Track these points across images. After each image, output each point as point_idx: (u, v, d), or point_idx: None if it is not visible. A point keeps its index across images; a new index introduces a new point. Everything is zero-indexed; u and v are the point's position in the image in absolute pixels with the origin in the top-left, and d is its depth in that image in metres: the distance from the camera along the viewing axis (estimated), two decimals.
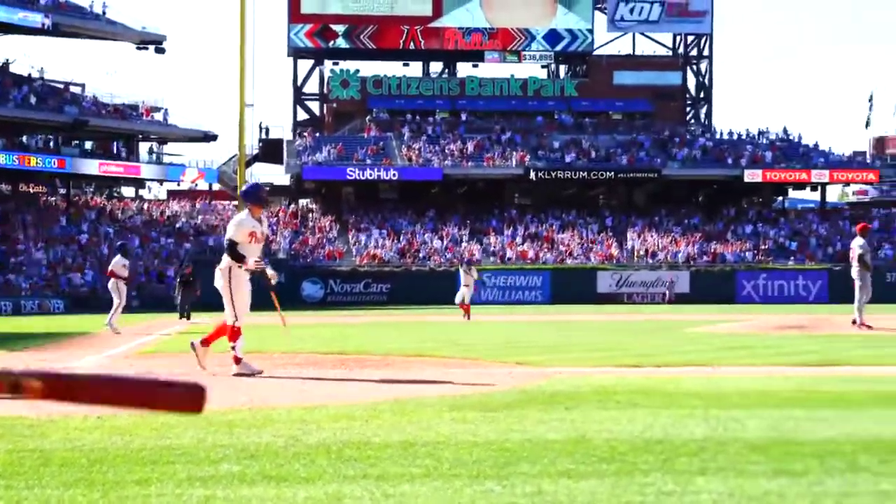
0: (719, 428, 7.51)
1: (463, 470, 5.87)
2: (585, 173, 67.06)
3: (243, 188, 13.20)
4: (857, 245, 22.27)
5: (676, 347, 17.25)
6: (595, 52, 77.40)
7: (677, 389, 10.17)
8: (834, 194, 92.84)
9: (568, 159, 68.10)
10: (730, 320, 27.64)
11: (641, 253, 62.24)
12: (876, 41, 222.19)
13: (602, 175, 67.61)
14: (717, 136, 73.86)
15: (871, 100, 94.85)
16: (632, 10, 75.60)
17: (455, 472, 5.80)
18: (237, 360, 12.02)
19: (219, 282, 12.35)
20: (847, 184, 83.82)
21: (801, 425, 7.68)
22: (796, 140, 73.41)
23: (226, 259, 12.26)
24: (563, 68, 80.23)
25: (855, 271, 22.20)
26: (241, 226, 12.30)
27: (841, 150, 74.58)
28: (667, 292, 55.65)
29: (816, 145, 72.38)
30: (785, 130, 74.24)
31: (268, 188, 13.87)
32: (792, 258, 62.72)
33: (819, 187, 72.59)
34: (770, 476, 5.72)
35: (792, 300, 56.66)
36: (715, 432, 7.30)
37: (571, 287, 56.42)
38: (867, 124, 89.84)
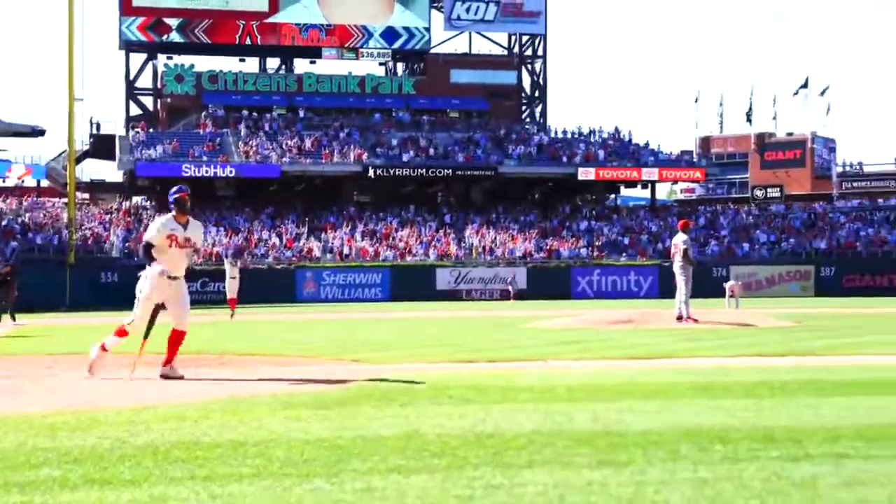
0: (548, 421, 7.66)
1: (293, 469, 5.84)
2: (423, 171, 67.42)
3: (171, 191, 11.92)
4: (679, 240, 22.98)
5: (511, 343, 17.51)
6: (432, 51, 77.94)
7: (510, 384, 10.32)
8: (663, 192, 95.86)
9: (406, 157, 68.34)
10: (564, 315, 28.19)
11: (479, 250, 62.94)
12: (701, 44, 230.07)
13: (440, 172, 68.08)
14: (552, 135, 75.28)
15: (696, 101, 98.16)
16: (468, 10, 76.40)
17: (285, 471, 5.76)
18: (103, 349, 11.68)
19: (142, 283, 11.64)
20: (675, 182, 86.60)
21: (626, 417, 7.89)
22: (627, 139, 75.40)
23: (155, 266, 11.46)
24: (400, 66, 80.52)
25: (677, 266, 22.88)
26: (161, 228, 11.59)
27: (669, 149, 77.03)
28: (510, 289, 56.47)
29: (647, 144, 74.50)
30: (616, 129, 76.17)
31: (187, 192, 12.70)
32: (624, 254, 64.38)
33: (649, 185, 74.75)
34: (594, 467, 5.87)
35: (624, 295, 58.15)
36: (544, 426, 7.45)
37: (411, 284, 56.68)
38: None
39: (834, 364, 12.66)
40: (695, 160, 79.64)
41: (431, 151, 69.45)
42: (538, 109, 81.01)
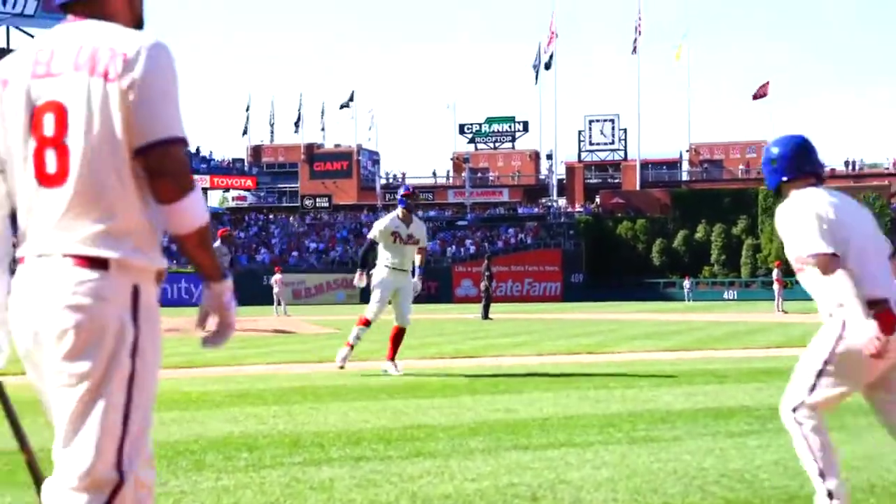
0: None
1: None
2: None
3: (400, 191, 13.48)
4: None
5: None
6: None
7: None
8: (215, 200, 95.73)
9: None
10: None
11: None
12: (253, 50, 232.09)
13: None
14: None
15: (248, 108, 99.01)
16: (4, 2, 72.04)
17: None
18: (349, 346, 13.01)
19: (375, 280, 12.94)
20: (227, 189, 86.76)
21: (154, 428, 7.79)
22: None
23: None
24: None
25: None
26: (384, 226, 12.96)
27: (221, 156, 77.15)
28: None
29: (198, 151, 74.14)
30: None
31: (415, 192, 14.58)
32: (174, 261, 63.49)
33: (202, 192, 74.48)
34: None
35: (176, 303, 57.29)
36: None
37: None
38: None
39: (364, 369, 13.20)
40: (246, 168, 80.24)
41: None
42: None
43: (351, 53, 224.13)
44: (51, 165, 2.92)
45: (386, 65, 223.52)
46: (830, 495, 4.55)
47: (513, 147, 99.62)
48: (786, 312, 37.46)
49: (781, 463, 6.19)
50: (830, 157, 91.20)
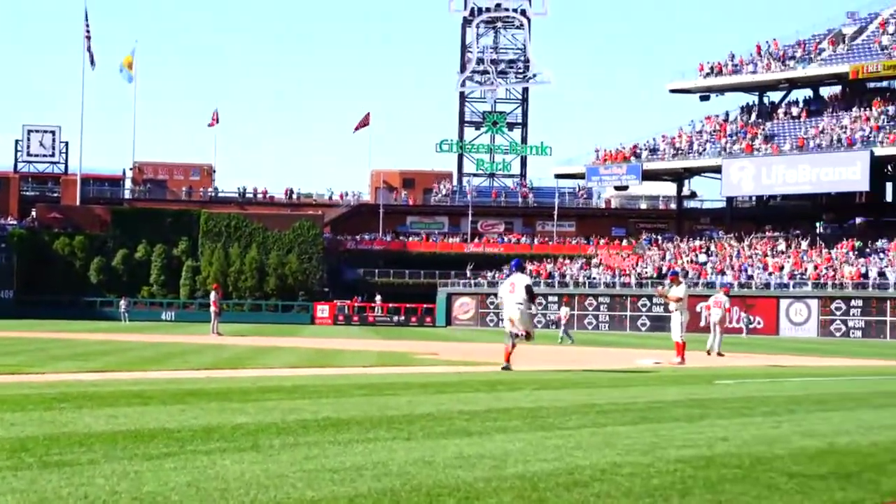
0: None
1: None
2: None
3: (515, 261, 19.79)
4: None
5: None
6: None
7: None
8: None
9: None
10: None
11: None
12: None
13: None
14: None
15: None
16: None
17: None
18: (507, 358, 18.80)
19: (524, 314, 18.75)
20: None
21: None
22: None
23: (525, 299, 18.66)
24: None
25: None
26: (503, 282, 19.84)
27: None
28: None
29: None
30: None
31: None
32: None
33: None
34: None
35: None
36: None
37: None
38: None
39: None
40: None
41: None
42: None
43: None
44: None
45: None
46: None
47: None
48: (220, 335, 38.13)
49: (195, 484, 6.22)
50: (272, 186, 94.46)
